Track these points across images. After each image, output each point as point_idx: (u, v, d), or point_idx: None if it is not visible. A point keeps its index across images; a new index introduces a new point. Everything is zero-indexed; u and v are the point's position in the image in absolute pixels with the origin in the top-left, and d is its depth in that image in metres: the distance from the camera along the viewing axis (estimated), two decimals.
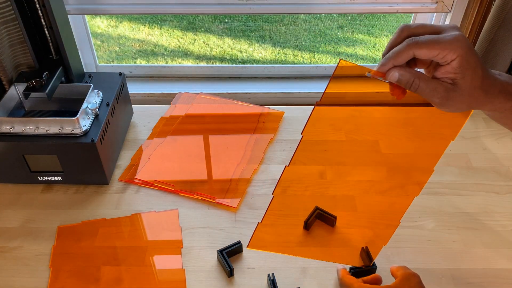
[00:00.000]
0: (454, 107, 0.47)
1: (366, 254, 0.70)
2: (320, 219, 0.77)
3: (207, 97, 1.07)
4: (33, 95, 0.83)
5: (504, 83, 0.48)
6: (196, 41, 2.39)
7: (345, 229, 0.78)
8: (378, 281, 0.64)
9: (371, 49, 2.38)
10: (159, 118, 0.99)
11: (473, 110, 0.50)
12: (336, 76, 0.49)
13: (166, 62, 2.28)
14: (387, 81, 0.48)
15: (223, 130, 0.97)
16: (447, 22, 1.04)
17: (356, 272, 0.69)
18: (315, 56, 2.31)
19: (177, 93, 1.08)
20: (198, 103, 1.05)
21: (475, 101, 0.47)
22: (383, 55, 0.47)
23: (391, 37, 0.48)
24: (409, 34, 0.46)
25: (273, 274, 0.69)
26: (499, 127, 0.98)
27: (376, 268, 0.70)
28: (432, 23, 0.47)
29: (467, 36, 1.00)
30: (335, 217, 0.75)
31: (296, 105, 1.06)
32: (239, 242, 0.72)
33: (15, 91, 0.84)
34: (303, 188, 0.86)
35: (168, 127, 0.97)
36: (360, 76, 0.54)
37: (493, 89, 0.47)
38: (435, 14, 1.07)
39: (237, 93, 1.11)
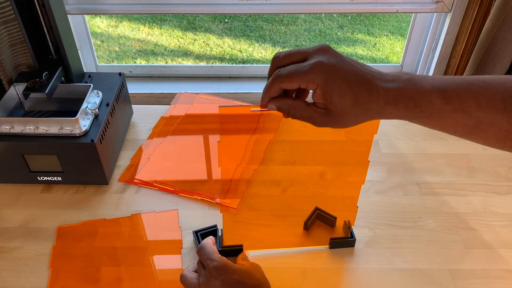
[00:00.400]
0: (338, 126, 0.48)
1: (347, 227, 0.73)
2: (320, 219, 0.77)
3: (207, 97, 1.07)
4: (33, 95, 0.82)
5: (394, 90, 0.45)
6: (196, 41, 2.39)
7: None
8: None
9: (371, 49, 2.38)
10: (159, 118, 0.99)
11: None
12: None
13: (166, 62, 2.27)
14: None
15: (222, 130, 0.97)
16: (447, 22, 1.04)
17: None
18: None
19: (177, 93, 1.08)
20: (198, 103, 1.05)
21: (357, 118, 0.47)
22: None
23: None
24: (278, 65, 0.47)
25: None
26: None
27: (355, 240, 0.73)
28: (301, 48, 0.48)
29: (467, 36, 1.00)
30: (335, 218, 0.75)
31: None
32: (215, 226, 0.74)
33: (15, 91, 0.84)
34: (303, 188, 0.86)
35: (168, 127, 0.97)
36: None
37: (375, 103, 0.45)
38: (435, 14, 1.07)
39: (237, 93, 1.11)
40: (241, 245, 0.71)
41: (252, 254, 0.73)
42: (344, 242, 0.73)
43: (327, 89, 0.44)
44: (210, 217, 0.79)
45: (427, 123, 0.47)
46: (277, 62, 0.48)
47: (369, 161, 0.65)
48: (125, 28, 2.44)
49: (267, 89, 0.47)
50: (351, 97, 0.44)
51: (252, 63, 2.26)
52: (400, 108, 0.45)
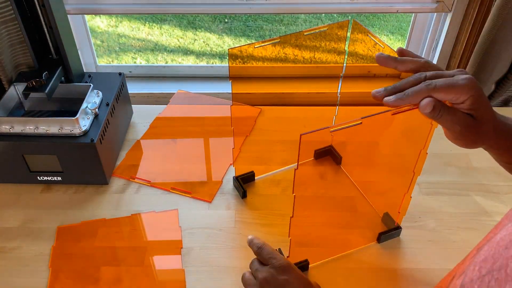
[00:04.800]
0: (469, 139, 0.53)
1: (389, 218, 0.74)
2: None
3: (207, 97, 1.07)
4: (33, 95, 0.82)
5: (501, 124, 0.54)
6: (196, 40, 2.39)
7: (344, 229, 0.78)
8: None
9: (371, 49, 2.38)
10: (155, 118, 1.00)
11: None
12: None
13: (166, 62, 2.27)
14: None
15: (221, 132, 0.97)
16: (447, 22, 1.04)
17: None
18: (315, 55, 2.31)
19: (176, 93, 1.07)
20: (196, 103, 1.05)
21: (488, 133, 0.53)
22: (391, 91, 0.52)
23: (402, 79, 0.53)
24: (424, 79, 0.52)
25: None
26: None
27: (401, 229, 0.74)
28: (444, 70, 0.54)
29: (467, 36, 1.00)
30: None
31: (296, 105, 1.06)
32: (251, 171, 0.84)
33: (15, 91, 0.84)
34: (303, 188, 0.85)
35: (166, 128, 0.97)
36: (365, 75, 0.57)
37: (500, 127, 0.54)
38: (435, 14, 1.07)
39: (237, 93, 1.11)
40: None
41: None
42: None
43: (478, 99, 0.50)
44: (210, 217, 0.79)
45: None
46: (424, 79, 0.51)
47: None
48: (125, 28, 2.44)
49: (415, 93, 0.50)
50: (492, 112, 0.53)
51: (252, 63, 2.25)
52: (506, 138, 0.55)
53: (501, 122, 0.54)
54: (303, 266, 0.70)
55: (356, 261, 0.72)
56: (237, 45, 0.64)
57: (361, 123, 0.52)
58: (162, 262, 0.72)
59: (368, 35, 0.69)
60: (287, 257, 0.67)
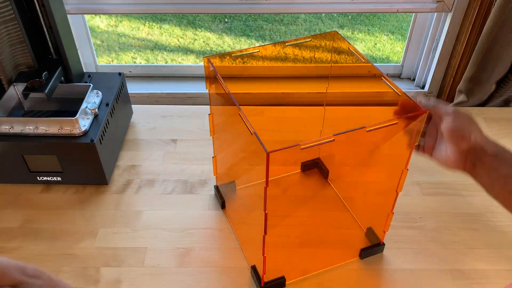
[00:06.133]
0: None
1: (373, 234, 0.72)
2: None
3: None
4: (33, 95, 0.82)
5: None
6: (196, 40, 2.39)
7: (344, 230, 0.78)
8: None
9: (371, 49, 2.38)
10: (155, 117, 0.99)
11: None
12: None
13: (166, 62, 2.27)
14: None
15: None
16: (447, 22, 1.04)
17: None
18: (316, 55, 2.30)
19: (176, 92, 1.07)
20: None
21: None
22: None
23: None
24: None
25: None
26: (500, 127, 0.98)
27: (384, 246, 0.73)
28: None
29: (467, 36, 1.00)
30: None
31: (296, 105, 1.06)
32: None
33: (15, 91, 0.84)
34: (303, 189, 0.85)
35: (166, 128, 0.97)
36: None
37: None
38: (435, 13, 1.07)
39: (236, 93, 1.11)
40: None
41: None
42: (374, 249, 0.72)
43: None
44: (210, 217, 0.79)
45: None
46: None
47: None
48: (125, 28, 2.44)
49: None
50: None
51: (252, 63, 2.25)
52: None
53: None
54: (279, 283, 0.67)
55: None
56: (212, 54, 0.62)
57: (333, 140, 0.51)
58: (162, 262, 0.72)
59: (349, 48, 0.68)
60: (263, 274, 0.65)
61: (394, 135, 0.57)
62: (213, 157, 0.78)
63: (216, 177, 0.82)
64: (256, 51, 0.66)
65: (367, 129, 0.52)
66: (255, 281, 0.68)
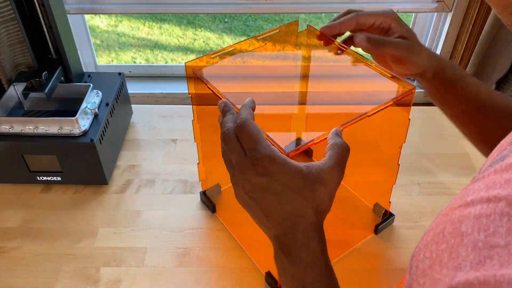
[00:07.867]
0: (413, 62, 0.57)
1: (380, 208, 0.75)
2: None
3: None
4: (32, 95, 0.82)
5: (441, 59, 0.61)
6: (196, 40, 2.39)
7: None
8: None
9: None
10: (155, 117, 0.99)
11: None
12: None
13: (166, 62, 2.27)
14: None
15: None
16: (447, 22, 1.04)
17: None
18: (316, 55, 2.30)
19: (176, 92, 1.07)
20: None
21: (424, 53, 0.57)
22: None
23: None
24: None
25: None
26: None
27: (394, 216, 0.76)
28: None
29: (467, 36, 1.00)
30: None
31: (296, 104, 1.06)
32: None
33: (14, 91, 0.84)
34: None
35: (166, 128, 0.97)
36: None
37: (441, 62, 0.60)
38: (435, 13, 1.07)
39: (236, 92, 1.11)
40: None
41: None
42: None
43: (401, 21, 0.60)
44: (210, 217, 0.79)
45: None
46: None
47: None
48: (125, 28, 2.44)
49: (345, 21, 0.59)
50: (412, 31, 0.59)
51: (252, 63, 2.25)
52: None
53: (440, 57, 0.60)
54: None
55: (358, 257, 0.72)
56: (193, 58, 0.63)
57: (315, 143, 0.50)
58: (162, 262, 0.72)
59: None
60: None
61: (394, 117, 0.59)
62: (198, 163, 0.76)
63: (201, 183, 0.80)
64: (231, 49, 0.67)
65: (368, 114, 0.53)
66: (269, 284, 0.67)
